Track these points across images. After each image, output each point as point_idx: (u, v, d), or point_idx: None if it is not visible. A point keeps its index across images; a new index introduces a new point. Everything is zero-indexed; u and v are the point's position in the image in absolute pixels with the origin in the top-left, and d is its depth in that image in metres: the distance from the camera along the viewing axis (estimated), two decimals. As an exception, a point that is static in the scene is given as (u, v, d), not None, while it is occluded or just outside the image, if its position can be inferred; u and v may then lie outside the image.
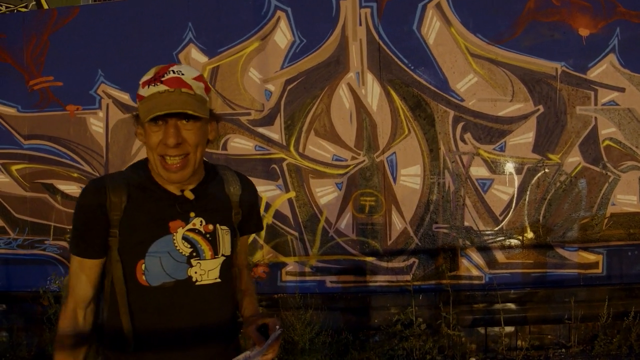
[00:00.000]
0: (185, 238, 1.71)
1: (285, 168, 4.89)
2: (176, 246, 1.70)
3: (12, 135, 5.17)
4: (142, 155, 2.05)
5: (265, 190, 4.91)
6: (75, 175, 5.10)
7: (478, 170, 4.80)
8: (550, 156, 4.76)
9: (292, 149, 4.88)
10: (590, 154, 4.75)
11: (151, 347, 1.70)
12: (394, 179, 4.83)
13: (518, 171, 4.79)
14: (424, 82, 4.78)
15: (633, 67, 4.71)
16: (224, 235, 1.79)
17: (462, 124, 4.78)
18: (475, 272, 4.80)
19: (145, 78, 1.64)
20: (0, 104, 5.18)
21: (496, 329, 4.70)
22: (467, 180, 4.79)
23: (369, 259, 4.85)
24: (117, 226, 1.68)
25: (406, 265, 4.83)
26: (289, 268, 4.92)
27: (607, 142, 4.75)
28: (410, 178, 4.82)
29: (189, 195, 1.74)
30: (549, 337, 4.78)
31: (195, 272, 1.72)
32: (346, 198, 4.86)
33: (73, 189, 5.08)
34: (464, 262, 4.81)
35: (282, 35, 4.86)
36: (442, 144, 4.80)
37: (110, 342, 1.74)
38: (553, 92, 4.73)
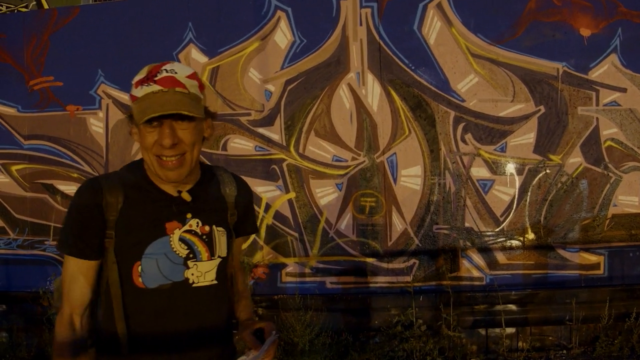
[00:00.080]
0: (181, 239, 1.69)
1: (285, 168, 4.87)
2: (173, 248, 1.68)
3: (12, 136, 5.16)
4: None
5: (265, 190, 4.90)
6: (75, 175, 5.10)
7: (479, 171, 4.78)
8: (552, 157, 4.74)
9: (292, 149, 4.87)
10: (591, 155, 4.73)
11: (147, 350, 1.68)
12: (395, 180, 4.81)
13: (519, 172, 4.77)
14: (425, 83, 4.77)
15: (635, 67, 4.69)
16: (220, 237, 1.77)
17: (462, 124, 4.76)
18: (476, 273, 4.78)
19: (138, 78, 1.62)
20: (1, 104, 5.17)
21: (497, 330, 4.68)
22: (468, 181, 4.78)
23: (370, 260, 4.84)
24: (113, 227, 1.65)
25: (406, 267, 4.81)
26: (289, 269, 4.90)
27: (608, 142, 4.73)
28: (410, 179, 4.81)
29: (186, 196, 1.72)
30: (550, 338, 4.76)
31: (192, 274, 1.71)
32: (346, 199, 4.84)
33: (73, 189, 5.07)
34: (465, 263, 4.79)
35: (283, 36, 4.85)
36: (442, 145, 4.78)
37: (105, 346, 1.71)
38: (554, 92, 4.72)
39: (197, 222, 1.72)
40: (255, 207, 4.86)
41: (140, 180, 1.72)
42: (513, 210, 4.77)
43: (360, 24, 4.80)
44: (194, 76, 1.66)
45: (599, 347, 4.54)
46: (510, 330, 4.68)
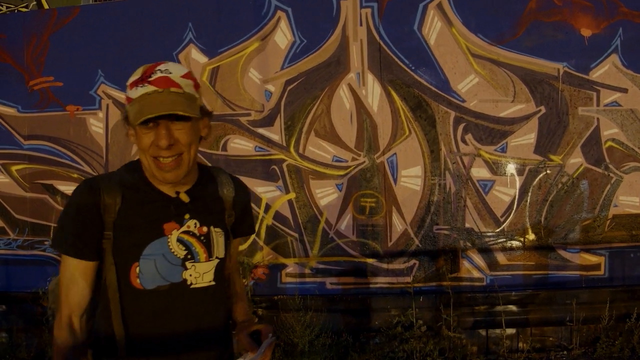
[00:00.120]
0: (179, 240, 1.69)
1: (285, 169, 4.87)
2: (171, 249, 1.67)
3: (12, 136, 5.16)
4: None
5: (265, 191, 4.89)
6: (75, 175, 5.09)
7: (479, 172, 4.77)
8: (552, 157, 4.73)
9: (292, 149, 4.86)
10: (592, 155, 4.72)
11: (145, 352, 1.67)
12: (395, 180, 4.80)
13: (519, 172, 4.76)
14: (425, 83, 4.76)
15: (636, 67, 4.68)
16: (218, 238, 1.76)
17: (463, 124, 4.75)
18: (476, 274, 4.77)
19: (132, 79, 1.61)
20: (1, 104, 5.17)
21: (497, 331, 4.67)
22: (468, 181, 4.77)
23: (370, 260, 4.83)
24: (111, 228, 1.64)
25: (407, 267, 4.80)
26: (289, 269, 4.90)
27: (609, 143, 4.72)
28: (411, 179, 4.80)
29: (185, 197, 1.71)
30: (551, 339, 4.75)
31: (190, 275, 1.70)
32: (346, 199, 4.84)
33: (73, 189, 5.06)
34: (465, 263, 4.78)
35: (283, 36, 4.84)
36: (443, 145, 4.77)
37: (102, 348, 1.69)
38: (555, 92, 4.70)
39: (195, 223, 1.72)
40: (255, 208, 4.86)
41: (138, 181, 1.71)
42: (513, 211, 4.76)
43: (361, 24, 4.79)
44: (188, 75, 1.64)
45: (599, 348, 4.53)
46: (510, 331, 4.67)
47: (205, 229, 1.73)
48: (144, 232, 1.66)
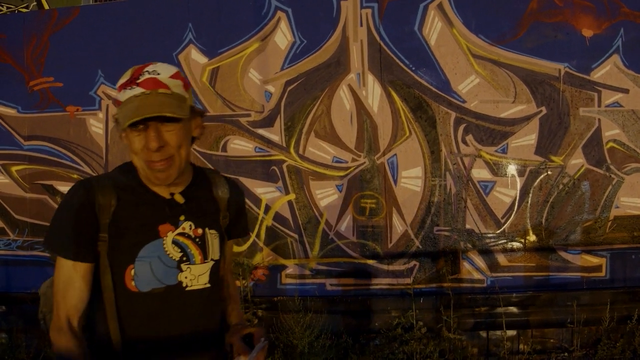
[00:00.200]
0: (175, 242, 1.68)
1: (285, 170, 4.85)
2: (166, 251, 1.66)
3: (12, 136, 5.16)
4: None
5: (265, 192, 4.88)
6: (75, 176, 5.08)
7: (480, 173, 4.75)
8: (553, 158, 4.71)
9: (292, 150, 4.85)
10: (593, 156, 4.70)
11: (141, 354, 1.66)
12: (395, 181, 4.79)
13: (520, 173, 4.74)
14: (426, 84, 4.74)
15: (637, 68, 4.65)
16: (213, 240, 1.75)
17: (463, 125, 4.73)
18: (476, 275, 4.76)
19: (121, 81, 1.60)
20: (1, 104, 5.17)
21: (498, 332, 4.65)
22: (469, 182, 4.75)
23: (370, 261, 4.81)
24: (106, 230, 1.63)
25: (407, 268, 4.79)
26: (289, 271, 4.88)
27: (610, 144, 4.70)
28: (411, 180, 4.78)
29: (179, 199, 1.70)
30: (552, 341, 4.73)
31: (186, 277, 1.69)
32: (346, 200, 4.82)
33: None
34: (466, 265, 4.76)
35: (283, 36, 4.83)
36: (443, 146, 4.75)
37: (98, 351, 1.67)
38: (556, 93, 4.69)
39: (190, 225, 1.71)
40: (255, 209, 4.86)
41: (132, 183, 1.69)
42: (514, 212, 4.74)
43: (361, 25, 4.77)
44: (177, 75, 1.63)
45: (600, 349, 4.51)
46: (511, 332, 4.65)
47: (200, 230, 1.72)
48: (139, 234, 1.64)
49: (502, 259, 4.75)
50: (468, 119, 4.73)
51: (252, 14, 4.86)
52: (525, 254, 4.75)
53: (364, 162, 4.80)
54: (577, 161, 4.70)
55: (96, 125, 5.07)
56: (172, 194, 1.70)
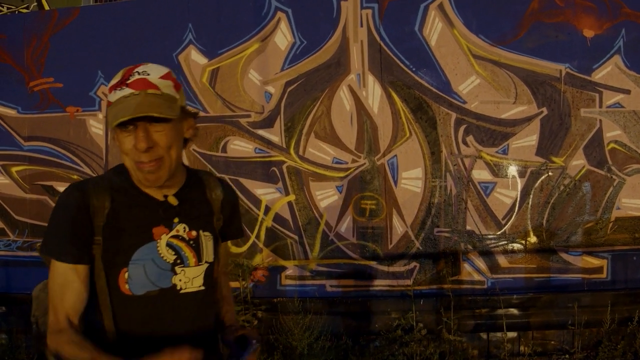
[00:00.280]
0: (169, 245, 1.67)
1: (285, 171, 4.84)
2: (160, 253, 1.65)
3: (12, 137, 5.16)
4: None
5: (265, 193, 4.87)
6: (75, 177, 5.08)
7: (480, 174, 4.73)
8: (554, 159, 4.69)
9: (292, 151, 4.84)
10: (594, 157, 4.68)
11: (136, 357, 1.65)
12: (395, 182, 4.77)
13: (521, 174, 4.72)
14: (426, 84, 4.72)
15: (639, 68, 4.62)
16: (207, 242, 1.75)
17: (464, 126, 4.71)
18: (477, 277, 4.74)
19: (112, 82, 1.60)
20: (1, 105, 5.17)
21: (498, 334, 4.63)
22: (469, 183, 4.73)
23: (370, 263, 4.80)
24: (100, 233, 1.62)
25: (407, 270, 4.77)
26: (289, 272, 4.87)
27: (612, 145, 4.67)
28: (411, 181, 4.76)
29: (173, 201, 1.69)
30: (552, 342, 4.71)
31: (180, 280, 1.68)
32: (346, 201, 4.81)
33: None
34: (466, 266, 4.74)
35: (283, 37, 4.82)
36: (444, 147, 4.74)
37: None
38: (557, 94, 4.66)
39: (184, 227, 1.70)
40: (255, 210, 4.85)
41: (125, 184, 1.68)
42: (515, 213, 4.72)
43: (361, 25, 4.76)
44: (168, 76, 1.62)
45: (601, 351, 4.48)
46: (512, 334, 4.63)
47: (194, 233, 1.71)
48: (132, 236, 1.63)
49: (502, 261, 4.74)
50: (469, 120, 4.71)
51: (252, 15, 4.85)
52: (526, 256, 4.73)
53: (364, 163, 4.79)
54: (578, 162, 4.68)
55: (96, 126, 5.07)
56: (165, 196, 1.69)
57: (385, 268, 4.79)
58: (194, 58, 4.91)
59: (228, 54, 4.87)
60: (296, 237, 4.85)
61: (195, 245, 1.71)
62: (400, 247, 4.78)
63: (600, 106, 4.66)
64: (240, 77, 4.86)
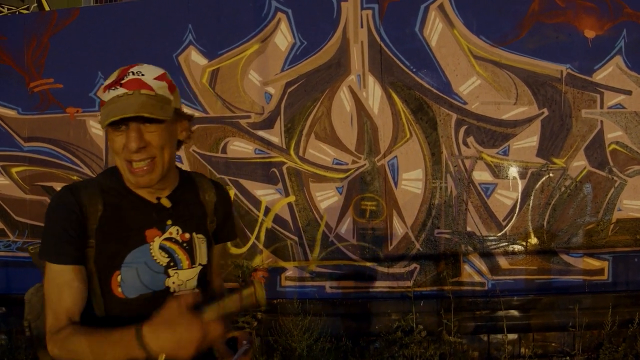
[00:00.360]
0: (162, 247, 1.66)
1: (285, 172, 4.83)
2: (153, 256, 1.64)
3: (13, 138, 5.16)
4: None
5: (265, 194, 4.86)
6: (75, 177, 5.08)
7: (481, 175, 4.71)
8: (555, 160, 4.67)
9: (292, 152, 4.83)
10: (595, 158, 4.66)
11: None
12: (395, 184, 4.76)
13: (522, 175, 4.70)
14: (426, 85, 4.71)
15: (640, 69, 4.62)
16: (201, 244, 1.73)
17: (464, 127, 4.70)
18: (477, 279, 4.72)
19: (107, 82, 1.59)
20: (1, 105, 5.17)
21: (499, 336, 4.61)
22: (470, 184, 4.71)
23: (370, 264, 4.79)
24: (93, 236, 1.60)
25: (407, 271, 4.75)
26: (289, 273, 4.86)
27: (613, 146, 4.65)
28: (411, 182, 4.75)
29: (166, 203, 1.68)
30: (553, 344, 4.69)
31: (173, 283, 1.67)
32: (347, 202, 4.79)
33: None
34: (466, 268, 4.73)
35: (283, 37, 4.81)
36: (444, 148, 4.72)
37: None
38: (558, 95, 4.64)
39: (177, 230, 1.69)
40: (255, 211, 4.84)
41: (117, 186, 1.67)
42: (516, 215, 4.70)
43: (361, 26, 4.75)
44: (163, 77, 1.61)
45: (602, 354, 4.46)
46: (512, 336, 4.61)
47: (187, 235, 1.70)
48: (125, 239, 1.62)
49: (503, 262, 4.72)
50: (469, 121, 4.69)
51: (252, 15, 4.85)
52: (527, 257, 4.71)
53: (365, 164, 4.77)
54: (579, 163, 4.66)
55: (96, 127, 5.06)
56: (158, 198, 1.68)
57: (385, 269, 4.77)
58: (194, 59, 4.90)
59: (228, 55, 4.87)
60: (296, 238, 4.84)
61: (189, 248, 1.70)
62: (401, 248, 4.77)
63: (602, 107, 4.64)
64: (240, 78, 4.85)
